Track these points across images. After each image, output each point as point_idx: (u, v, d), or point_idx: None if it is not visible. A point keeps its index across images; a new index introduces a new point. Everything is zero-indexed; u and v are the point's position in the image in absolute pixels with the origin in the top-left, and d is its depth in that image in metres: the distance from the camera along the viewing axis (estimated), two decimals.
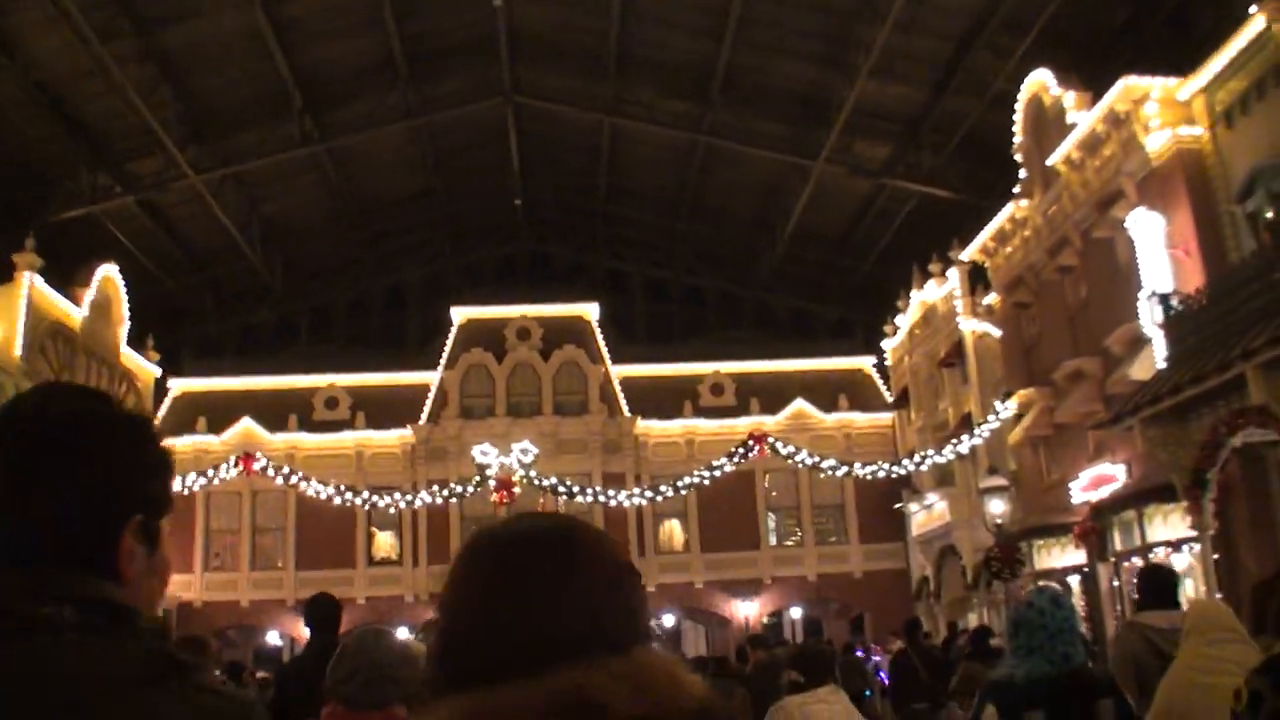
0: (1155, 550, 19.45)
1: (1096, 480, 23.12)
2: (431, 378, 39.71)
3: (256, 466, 26.33)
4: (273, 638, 38.01)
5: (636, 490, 27.82)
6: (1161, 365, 18.11)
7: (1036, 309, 26.85)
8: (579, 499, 27.75)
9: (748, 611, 37.96)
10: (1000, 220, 27.22)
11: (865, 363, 41.66)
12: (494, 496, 26.15)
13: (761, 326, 44.71)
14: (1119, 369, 21.48)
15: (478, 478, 26.24)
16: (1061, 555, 24.05)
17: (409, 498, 26.81)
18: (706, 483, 27.51)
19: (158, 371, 38.19)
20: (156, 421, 33.73)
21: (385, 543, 38.72)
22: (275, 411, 38.71)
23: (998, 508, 17.77)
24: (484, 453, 25.96)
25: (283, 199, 39.10)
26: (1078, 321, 24.79)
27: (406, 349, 42.87)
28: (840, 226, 39.97)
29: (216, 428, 37.95)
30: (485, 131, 38.04)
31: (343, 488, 31.35)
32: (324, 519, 36.69)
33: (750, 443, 26.29)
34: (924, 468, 28.76)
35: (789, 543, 39.53)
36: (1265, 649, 3.82)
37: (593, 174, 40.72)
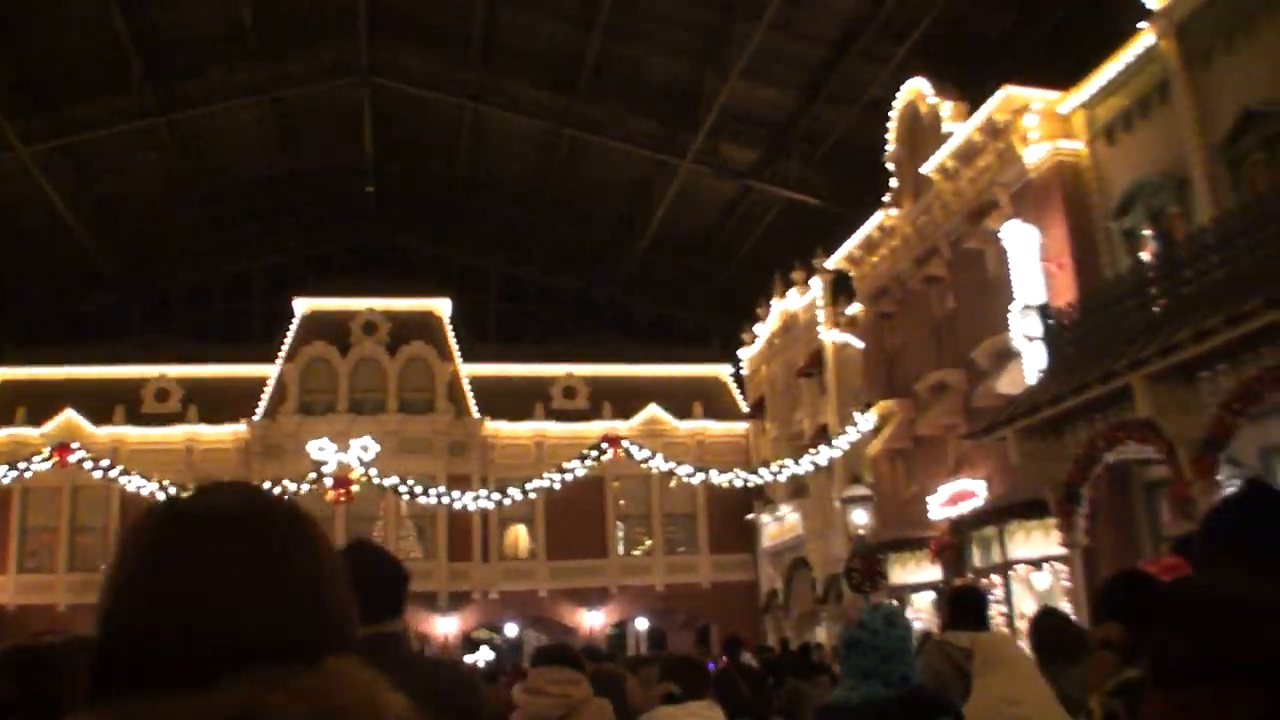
0: (1016, 567, 18.99)
1: (956, 495, 22.67)
2: (271, 371, 37.73)
3: (73, 459, 24.27)
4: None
5: (483, 493, 26.53)
6: (1033, 379, 17.62)
7: (901, 320, 26.41)
8: (421, 499, 26.28)
9: (593, 621, 36.92)
10: (868, 228, 26.72)
11: (722, 371, 41.05)
12: (330, 495, 24.53)
13: (619, 330, 43.72)
14: (984, 382, 21.05)
15: (312, 474, 24.58)
16: (917, 570, 23.53)
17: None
18: (556, 486, 26.34)
19: None
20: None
21: None
22: (101, 403, 36.29)
23: (860, 518, 17.07)
24: (320, 448, 24.37)
25: (120, 176, 36.73)
26: (943, 333, 24.37)
27: (250, 341, 40.75)
28: (703, 231, 39.30)
29: (36, 419, 35.39)
30: (340, 114, 36.33)
31: (167, 484, 29.25)
32: None
33: (604, 445, 25.21)
34: (781, 478, 28.11)
35: (637, 552, 38.62)
36: (1101, 671, 3.68)
37: (451, 164, 39.28)
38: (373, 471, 24.50)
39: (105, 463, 24.54)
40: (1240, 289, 11.88)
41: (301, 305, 38.56)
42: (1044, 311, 15.73)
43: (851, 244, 27.63)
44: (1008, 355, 20.57)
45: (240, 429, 36.39)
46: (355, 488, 24.40)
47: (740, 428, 39.08)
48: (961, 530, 20.33)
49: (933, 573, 23.37)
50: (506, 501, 26.62)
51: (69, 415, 35.62)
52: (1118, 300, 14.69)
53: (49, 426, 35.08)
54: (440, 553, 36.04)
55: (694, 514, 38.78)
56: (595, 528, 37.62)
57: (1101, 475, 15.64)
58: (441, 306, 39.24)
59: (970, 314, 22.90)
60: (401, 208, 43.19)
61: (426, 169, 40.38)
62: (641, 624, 39.45)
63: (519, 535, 38.04)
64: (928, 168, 23.73)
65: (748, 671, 16.06)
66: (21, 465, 25.14)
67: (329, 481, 24.08)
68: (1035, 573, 19.04)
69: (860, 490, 17.45)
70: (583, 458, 25.50)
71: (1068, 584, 18.40)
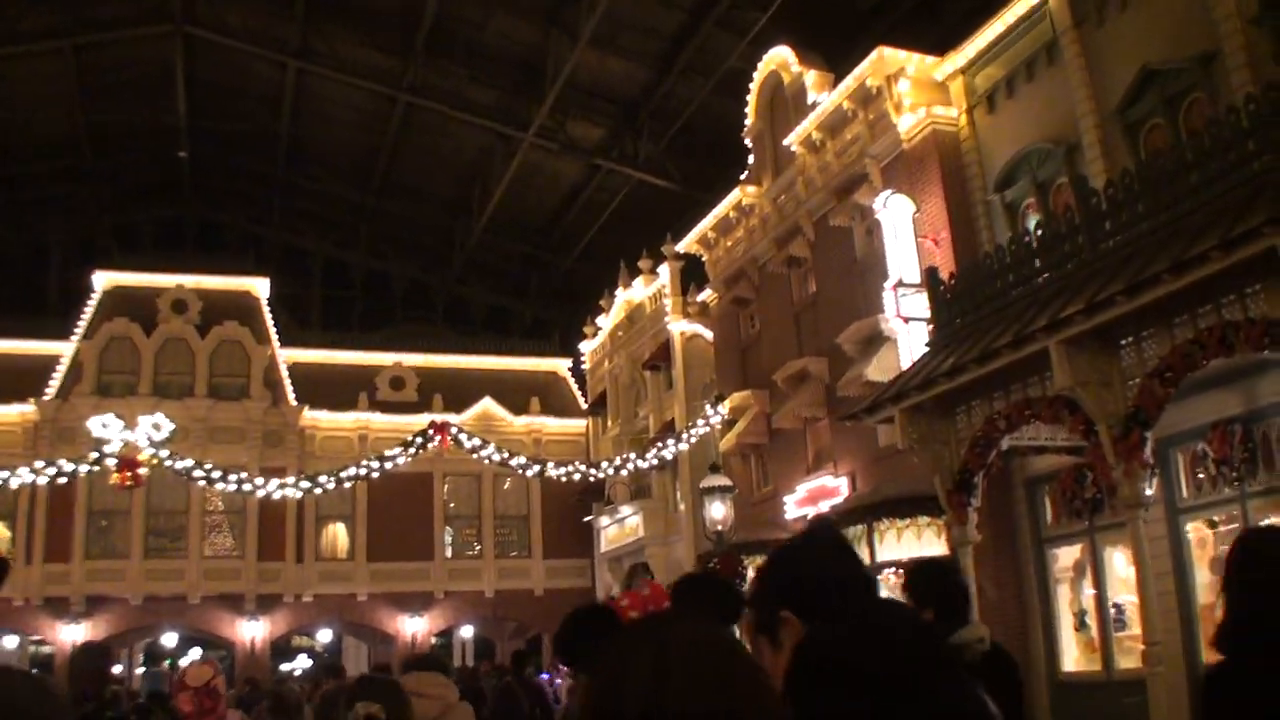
0: (886, 570, 17.22)
1: (815, 493, 20.97)
2: (66, 349, 34.17)
3: None
4: None
5: (290, 479, 23.74)
6: (909, 363, 15.88)
7: (758, 306, 24.63)
8: (220, 486, 23.40)
9: (416, 628, 34.32)
10: (723, 208, 24.89)
11: (560, 365, 38.96)
12: (114, 479, 21.51)
13: (453, 321, 41.33)
14: (851, 369, 19.31)
15: (94, 454, 21.53)
16: None
17: (4, 474, 21.78)
18: (375, 475, 23.71)
19: None
20: None
21: None
22: None
23: (719, 511, 15.03)
24: (105, 425, 21.28)
25: None
26: (804, 319, 22.67)
27: (48, 316, 37.02)
28: (545, 215, 37.17)
29: None
30: (150, 68, 32.99)
31: None
32: None
33: (430, 432, 22.73)
34: (624, 472, 25.99)
35: (467, 554, 36.12)
36: None
37: (273, 133, 36.26)
38: (164, 453, 21.52)
39: None
40: (1151, 252, 10.29)
41: (103, 279, 35.11)
42: (933, 277, 13.98)
43: (705, 225, 25.76)
44: (877, 340, 18.93)
45: (28, 409, 32.82)
46: (144, 470, 21.41)
47: (579, 425, 36.99)
48: None
49: None
50: (317, 490, 23.86)
51: None
52: (1007, 269, 13.01)
53: None
54: (249, 551, 33.06)
55: (527, 515, 36.60)
56: (421, 528, 35.08)
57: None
58: (259, 286, 36.19)
59: (835, 298, 21.23)
60: (219, 179, 40.03)
61: (246, 137, 37.23)
62: (467, 632, 37.03)
63: (337, 534, 35.20)
64: (791, 139, 22.01)
65: (532, 688, 14.89)
66: None
67: (113, 463, 21.06)
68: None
69: (720, 480, 15.43)
70: (406, 444, 22.95)
71: None
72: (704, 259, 26.84)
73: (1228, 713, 2.99)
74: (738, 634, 2.54)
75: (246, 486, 23.09)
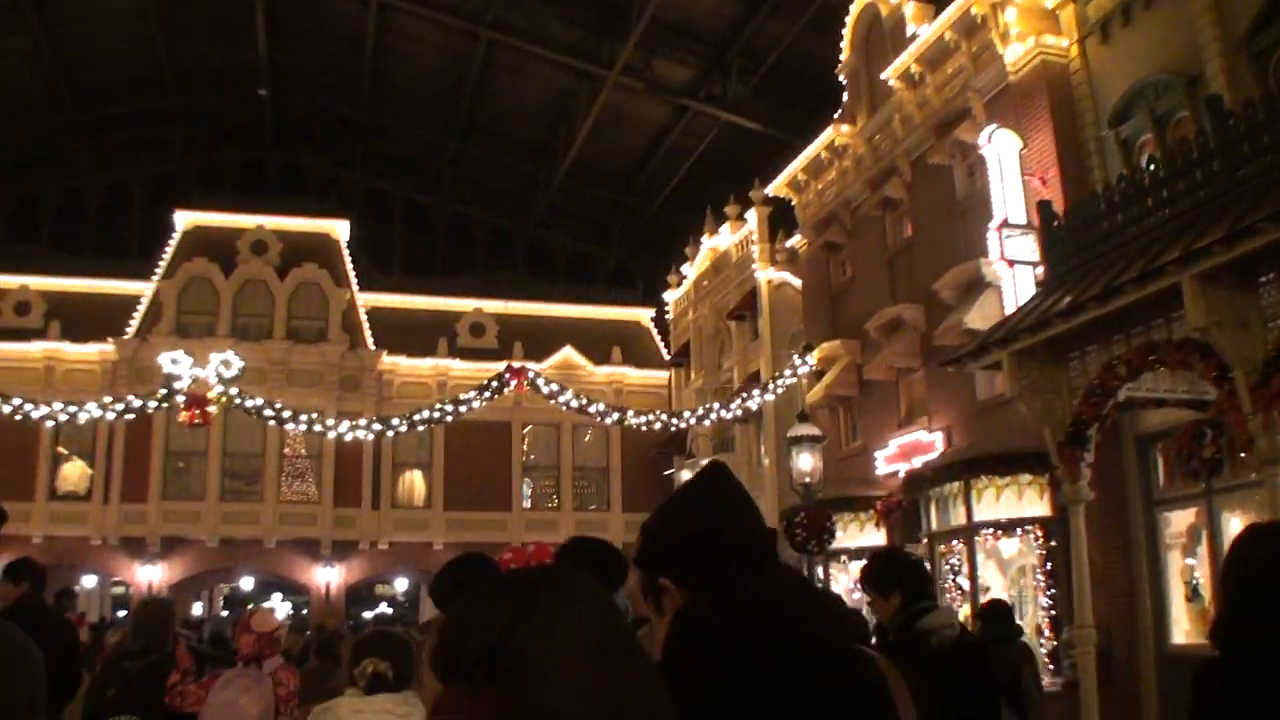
0: (983, 531, 16.07)
1: (908, 448, 19.81)
2: (146, 289, 33.96)
3: None
4: None
5: (362, 422, 23.02)
6: (1014, 309, 14.66)
7: (850, 251, 23.43)
8: (290, 426, 22.78)
9: None
10: (815, 148, 23.67)
11: (643, 315, 37.96)
12: (182, 416, 20.98)
13: (535, 268, 40.49)
14: (949, 317, 18.09)
15: (163, 391, 21.00)
16: (860, 535, 20.62)
17: (69, 408, 21.33)
18: (449, 418, 22.94)
19: None
20: None
21: (73, 474, 32.93)
22: None
23: (807, 462, 13.95)
24: (174, 361, 20.73)
25: None
26: (898, 265, 21.44)
27: (127, 256, 36.86)
28: (629, 160, 36.08)
29: None
30: (230, 5, 32.31)
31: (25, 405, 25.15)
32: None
33: (506, 375, 21.89)
34: (707, 422, 24.95)
35: (545, 506, 35.44)
36: None
37: (354, 74, 35.49)
38: (233, 391, 20.92)
39: None
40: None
41: (183, 219, 34.80)
42: (1046, 210, 12.72)
43: (795, 167, 24.57)
44: (978, 286, 17.69)
45: (108, 349, 32.69)
46: (212, 408, 20.83)
47: (661, 376, 36.03)
48: (918, 487, 17.36)
49: (877, 537, 20.51)
50: (389, 434, 23.23)
51: None
52: (1132, 199, 11.73)
53: None
54: (325, 496, 32.68)
55: (607, 468, 35.80)
56: (499, 478, 34.46)
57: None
58: (339, 228, 35.63)
59: (932, 241, 19.96)
60: (300, 122, 39.51)
61: (327, 77, 36.61)
62: None
63: (414, 482, 34.71)
64: (889, 72, 20.72)
65: None
66: None
67: (181, 400, 20.50)
68: (1005, 539, 16.13)
69: (808, 429, 14.27)
70: (482, 388, 22.14)
71: (1040, 552, 15.59)
72: (793, 203, 25.66)
73: (1220, 707, 2.96)
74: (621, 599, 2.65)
75: (317, 427, 22.48)
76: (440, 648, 1.36)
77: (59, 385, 31.67)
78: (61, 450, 32.76)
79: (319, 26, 33.98)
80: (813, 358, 23.25)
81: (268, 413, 21.76)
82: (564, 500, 35.28)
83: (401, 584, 36.57)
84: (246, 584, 35.33)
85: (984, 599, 16.36)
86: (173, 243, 34.54)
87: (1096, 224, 12.15)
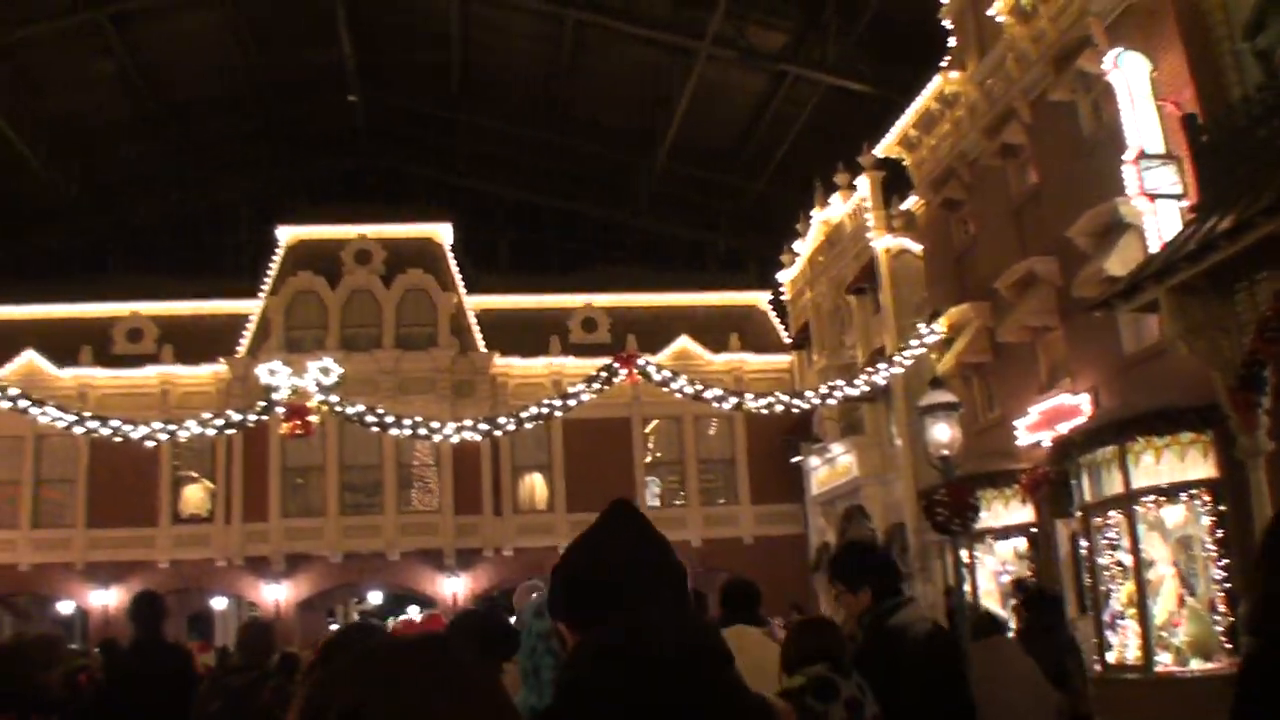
0: (1144, 499, 14.36)
1: (1052, 414, 18.08)
2: (254, 307, 33.68)
3: None
4: (65, 608, 32.05)
5: (468, 422, 21.99)
6: (1159, 243, 12.97)
7: (971, 207, 21.76)
8: (394, 431, 21.89)
9: None
10: (924, 100, 22.05)
11: (759, 298, 36.45)
12: (284, 428, 20.25)
13: (644, 259, 39.28)
14: (1087, 265, 16.39)
15: (262, 403, 20.32)
16: (1005, 512, 18.98)
17: (171, 427, 20.79)
18: (558, 413, 21.86)
19: None
20: None
21: (195, 496, 32.78)
22: (66, 344, 32.70)
23: (943, 433, 12.40)
24: (272, 372, 20.03)
25: (70, 93, 32.65)
26: (1025, 215, 19.73)
27: (236, 276, 36.66)
28: (730, 136, 34.71)
29: None
30: (310, 11, 31.75)
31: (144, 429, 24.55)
32: (122, 469, 31.27)
33: (616, 365, 20.71)
34: (831, 401, 23.37)
35: (671, 503, 34.20)
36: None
37: (444, 73, 34.73)
38: (333, 398, 20.10)
39: (12, 393, 20.00)
40: None
41: (286, 234, 34.47)
42: (1191, 125, 11.07)
43: (905, 123, 22.98)
44: (1116, 228, 15.98)
45: (220, 369, 32.47)
46: (314, 418, 20.05)
47: (782, 360, 34.54)
48: (1068, 456, 15.68)
49: (1023, 514, 18.85)
50: (498, 433, 22.25)
51: (30, 357, 32.32)
52: (1257, 122, 10.07)
53: (8, 369, 31.60)
54: (445, 505, 31.93)
55: (733, 459, 34.39)
56: (621, 476, 33.21)
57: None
58: (442, 232, 34.92)
59: (1061, 186, 18.26)
60: (396, 126, 39.00)
61: (417, 78, 35.94)
62: None
63: (535, 485, 33.80)
64: (997, 9, 19.06)
65: None
66: None
67: (281, 412, 19.77)
68: (1169, 505, 14.38)
69: (942, 396, 12.59)
70: (590, 380, 21.00)
71: (1208, 519, 13.81)
72: (906, 163, 24.06)
73: (1262, 697, 2.85)
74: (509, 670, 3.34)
75: (422, 431, 21.56)
76: (304, 710, 1.45)
77: (174, 408, 31.40)
78: (192, 474, 32.66)
79: (402, 24, 33.29)
80: (940, 325, 21.64)
81: (370, 419, 20.91)
82: (690, 496, 34.01)
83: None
84: (375, 598, 34.85)
85: (1004, 583, 14.86)
86: (277, 259, 34.22)
87: (1247, 136, 10.48)
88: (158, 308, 34.17)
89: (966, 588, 15.85)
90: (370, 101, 36.69)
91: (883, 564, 4.83)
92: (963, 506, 13.03)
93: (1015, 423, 19.19)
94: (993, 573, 20.39)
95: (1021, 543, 19.60)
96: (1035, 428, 18.52)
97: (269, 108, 36.30)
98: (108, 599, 30.83)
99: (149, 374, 32.53)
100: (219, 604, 34.15)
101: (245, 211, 39.57)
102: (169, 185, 38.46)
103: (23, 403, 20.11)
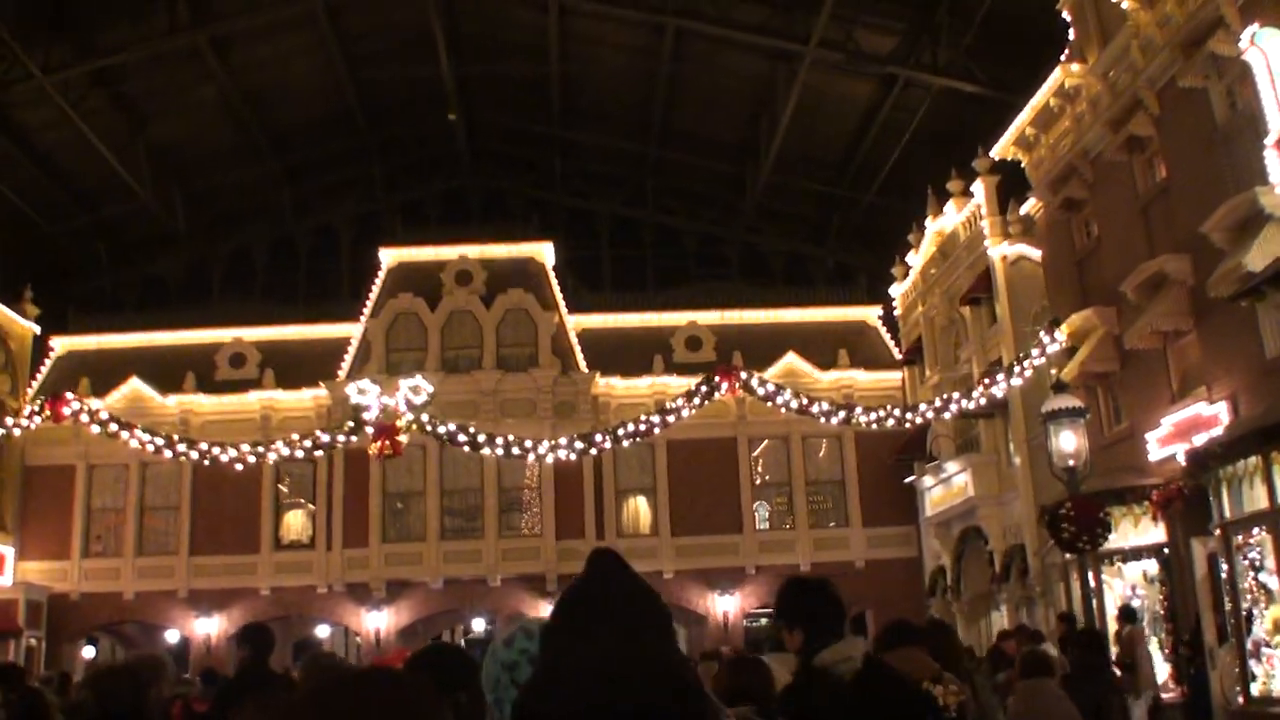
0: None
1: (1185, 426, 16.73)
2: (355, 330, 33.46)
3: (67, 411, 19.97)
4: (171, 636, 32.02)
5: (563, 440, 21.20)
6: None
7: (1093, 207, 20.49)
8: (486, 450, 21.18)
9: (727, 607, 31.60)
10: (1043, 95, 20.88)
11: (869, 313, 35.17)
12: (372, 448, 19.67)
13: (749, 275, 38.32)
14: (1224, 262, 15.08)
15: (350, 423, 19.79)
16: (1134, 532, 17.62)
17: (259, 449, 20.41)
18: (656, 430, 20.99)
19: (35, 328, 33.02)
20: (35, 384, 27.97)
21: (296, 522, 32.55)
22: (171, 371, 32.79)
23: (1069, 442, 11.21)
24: (361, 391, 19.50)
25: (173, 120, 32.92)
26: (1153, 213, 18.44)
27: (338, 300, 36.58)
28: (837, 147, 33.65)
29: (101, 390, 31.75)
30: (407, 30, 31.47)
31: (245, 450, 24.14)
32: (224, 496, 31.30)
33: (716, 378, 19.79)
34: (947, 414, 22.10)
35: (778, 526, 33.06)
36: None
37: (544, 89, 34.23)
38: (424, 416, 19.47)
39: (105, 416, 19.70)
40: None
41: (387, 256, 34.19)
42: None
43: (1022, 121, 21.81)
44: (1256, 220, 14.70)
45: (321, 393, 32.21)
46: (403, 438, 19.45)
47: (894, 377, 33.24)
48: (1204, 470, 14.35)
49: (1155, 534, 17.47)
50: (593, 451, 21.51)
51: (135, 385, 32.44)
52: None
53: (114, 397, 31.69)
54: (547, 529, 31.22)
55: (843, 480, 33.12)
56: (727, 499, 32.31)
57: None
58: (543, 251, 34.32)
59: (1192, 179, 16.98)
60: (496, 146, 38.73)
61: (516, 94, 35.49)
62: None
63: (638, 508, 32.93)
64: None
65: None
66: (9, 422, 20.73)
67: (370, 431, 19.21)
68: None
69: (1067, 401, 11.40)
70: (690, 395, 20.11)
71: None
72: (1023, 164, 22.84)
73: None
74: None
75: (515, 450, 20.85)
76: None
77: (275, 433, 31.16)
78: (297, 499, 32.48)
79: (500, 40, 32.93)
80: (1062, 333, 20.35)
81: (462, 438, 20.30)
82: (798, 519, 32.79)
83: None
84: (477, 625, 34.32)
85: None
86: (378, 281, 33.94)
87: None
88: (260, 333, 34.13)
89: (1083, 613, 14.59)
90: (470, 121, 36.46)
91: (821, 599, 4.54)
92: (1091, 522, 11.79)
93: (1145, 435, 17.92)
94: (1120, 597, 19.01)
95: (1152, 565, 18.22)
96: (1167, 440, 17.19)
97: (369, 130, 36.25)
98: (210, 627, 30.68)
99: (250, 400, 32.44)
100: (323, 632, 33.91)
101: (347, 235, 39.55)
102: (271, 210, 38.61)
103: (113, 426, 19.76)
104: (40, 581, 30.59)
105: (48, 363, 33.91)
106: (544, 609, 30.83)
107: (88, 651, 33.39)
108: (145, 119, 32.31)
